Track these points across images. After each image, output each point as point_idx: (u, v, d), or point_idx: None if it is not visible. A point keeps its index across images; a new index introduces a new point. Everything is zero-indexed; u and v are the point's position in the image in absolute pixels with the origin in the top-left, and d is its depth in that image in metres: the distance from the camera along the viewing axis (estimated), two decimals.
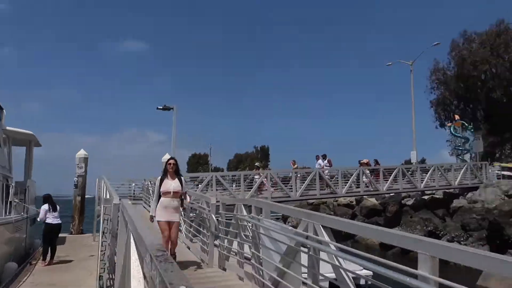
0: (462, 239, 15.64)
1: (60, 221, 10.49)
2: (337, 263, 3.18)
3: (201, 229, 7.77)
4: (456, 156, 33.52)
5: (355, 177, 19.85)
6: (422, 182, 21.61)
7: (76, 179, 18.96)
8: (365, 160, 22.16)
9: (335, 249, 3.27)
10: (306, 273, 3.97)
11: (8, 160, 12.54)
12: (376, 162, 22.29)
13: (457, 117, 33.49)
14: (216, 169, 75.91)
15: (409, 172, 22.19)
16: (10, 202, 11.50)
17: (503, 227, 14.11)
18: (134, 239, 2.62)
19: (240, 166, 74.73)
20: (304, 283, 3.77)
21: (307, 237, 3.69)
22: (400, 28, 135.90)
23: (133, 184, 19.41)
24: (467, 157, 31.93)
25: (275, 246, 4.37)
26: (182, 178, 6.84)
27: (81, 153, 18.99)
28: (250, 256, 5.61)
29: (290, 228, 3.99)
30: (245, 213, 5.72)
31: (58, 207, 10.50)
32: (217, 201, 7.10)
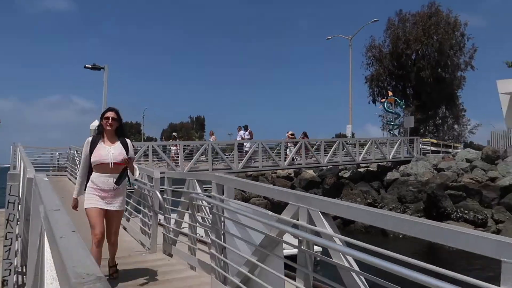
0: (399, 211, 16.11)
1: None
2: (346, 264, 2.37)
3: (140, 207, 6.64)
4: (388, 131, 35.00)
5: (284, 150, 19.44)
6: (360, 156, 22.01)
7: None
8: (290, 132, 22.03)
9: (341, 244, 2.45)
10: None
11: None
12: (305, 135, 22.17)
13: (390, 93, 34.71)
14: (149, 139, 72.82)
15: (348, 145, 22.49)
16: None
17: (439, 200, 14.69)
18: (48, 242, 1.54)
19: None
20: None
21: (297, 226, 2.83)
22: (341, 4, 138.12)
23: (57, 154, 17.25)
24: (397, 132, 33.48)
25: (244, 235, 3.47)
26: (129, 141, 4.51)
27: None
28: (205, 240, 4.69)
29: (271, 213, 3.09)
30: (199, 190, 4.72)
31: None
32: (161, 174, 6.01)
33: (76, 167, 13.08)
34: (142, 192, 6.36)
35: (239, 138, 20.24)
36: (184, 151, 17.71)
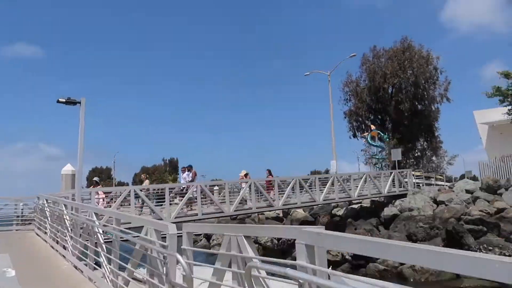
0: None
1: None
2: None
3: (145, 276, 4.91)
4: (374, 164, 34.26)
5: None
6: (355, 191, 20.76)
7: None
8: (244, 172, 19.30)
9: None
10: None
11: None
12: (269, 173, 19.84)
13: (373, 126, 34.37)
14: (120, 184, 69.49)
15: (338, 183, 21.23)
16: None
17: (461, 236, 13.44)
18: None
19: (149, 180, 69.53)
20: None
21: None
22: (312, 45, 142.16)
23: (21, 204, 14.96)
24: (382, 165, 32.80)
25: None
26: None
27: None
28: None
29: None
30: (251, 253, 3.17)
31: None
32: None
33: (46, 220, 11.03)
34: (148, 254, 4.65)
35: (182, 181, 17.69)
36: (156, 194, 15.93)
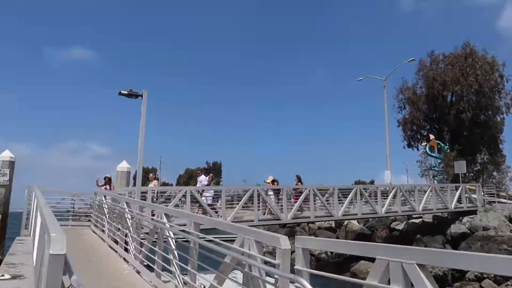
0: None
1: None
2: None
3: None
4: (432, 177, 31.96)
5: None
6: (420, 204, 19.05)
7: None
8: (271, 179, 17.13)
9: None
10: None
11: None
12: (299, 180, 17.65)
13: (432, 136, 32.15)
14: (165, 184, 70.44)
15: (400, 194, 19.59)
16: None
17: None
18: None
19: (191, 182, 70.01)
20: None
21: None
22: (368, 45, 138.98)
23: (77, 199, 14.71)
24: (439, 178, 30.56)
25: None
26: None
27: (6, 155, 14.14)
28: None
29: None
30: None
31: None
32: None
33: (104, 217, 10.52)
34: (245, 272, 3.72)
35: (199, 185, 16.27)
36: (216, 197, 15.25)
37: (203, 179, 16.29)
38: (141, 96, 10.86)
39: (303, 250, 3.33)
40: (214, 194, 15.46)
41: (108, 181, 15.00)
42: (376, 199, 18.12)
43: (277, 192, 15.93)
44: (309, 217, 16.10)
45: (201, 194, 14.70)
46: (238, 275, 4.28)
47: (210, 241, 4.53)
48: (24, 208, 13.56)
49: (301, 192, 16.42)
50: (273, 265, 3.34)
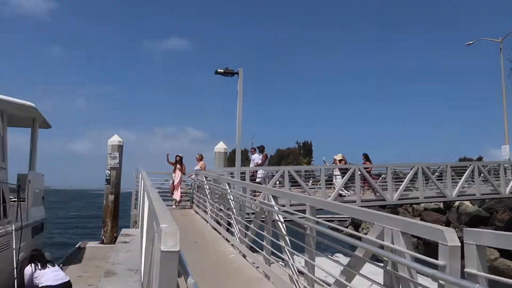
0: None
1: (67, 279, 6.44)
2: None
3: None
4: None
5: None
6: None
7: (108, 172, 15.07)
8: (339, 157, 15.53)
9: None
10: None
11: (1, 144, 8.22)
12: (366, 158, 15.38)
13: None
14: (257, 165, 71.58)
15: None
16: (4, 205, 7.47)
17: None
18: None
19: (282, 163, 70.11)
20: None
21: None
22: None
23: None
24: None
25: None
26: None
27: (115, 139, 15.04)
28: None
29: None
30: None
31: (52, 263, 6.77)
32: None
33: (206, 198, 10.49)
34: (390, 272, 2.95)
35: (252, 164, 15.07)
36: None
37: (256, 157, 15.10)
38: (237, 74, 10.47)
39: (478, 247, 2.44)
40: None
41: (179, 160, 14.16)
42: (498, 177, 15.79)
43: (344, 172, 14.45)
44: (418, 198, 14.58)
45: (253, 175, 13.97)
46: (373, 271, 3.53)
47: (334, 227, 3.83)
48: (133, 189, 14.36)
49: (368, 172, 14.90)
50: (430, 265, 2.52)
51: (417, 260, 2.78)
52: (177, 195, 13.50)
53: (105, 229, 14.66)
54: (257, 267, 5.98)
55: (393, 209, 23.35)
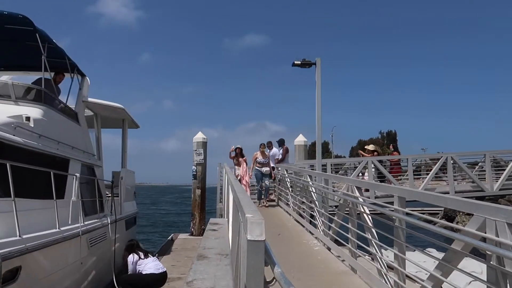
0: None
1: (164, 269, 6.99)
2: None
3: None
4: None
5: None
6: None
7: (195, 167, 15.85)
8: (372, 147, 14.86)
9: None
10: None
11: (97, 144, 9.30)
12: (394, 149, 15.50)
13: None
14: (337, 157, 70.13)
15: None
16: (100, 200, 8.27)
17: None
18: None
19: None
20: None
21: None
22: None
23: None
24: None
25: None
26: None
27: (199, 136, 15.76)
28: None
29: None
30: None
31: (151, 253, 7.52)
32: None
33: (287, 191, 10.52)
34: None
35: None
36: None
37: (275, 152, 13.59)
38: (315, 64, 10.30)
39: None
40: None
41: (239, 152, 12.82)
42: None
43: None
44: None
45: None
46: (471, 267, 3.23)
47: (430, 220, 3.58)
48: (218, 183, 14.94)
49: (397, 164, 13.76)
50: None
51: None
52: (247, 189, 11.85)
53: (193, 221, 15.47)
54: (343, 260, 5.85)
55: (493, 201, 21.25)
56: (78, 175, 6.57)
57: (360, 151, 15.96)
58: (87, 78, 8.96)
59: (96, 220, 7.48)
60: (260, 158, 11.97)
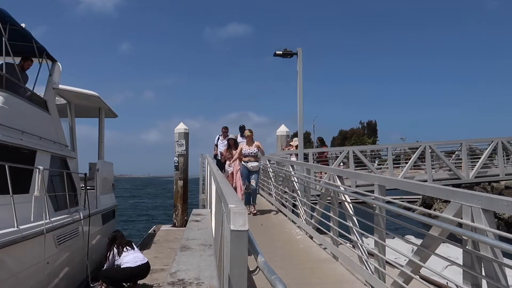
0: None
1: (145, 260, 6.81)
2: None
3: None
4: None
5: None
6: None
7: (176, 159, 15.75)
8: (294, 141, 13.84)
9: None
10: None
11: (71, 135, 8.90)
12: (322, 143, 15.48)
13: None
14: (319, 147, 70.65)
15: None
16: (75, 194, 7.96)
17: None
18: None
19: (346, 144, 68.59)
20: None
21: None
22: None
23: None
24: None
25: None
26: None
27: (181, 127, 15.63)
28: None
29: None
30: None
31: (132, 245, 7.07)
32: None
33: (269, 180, 10.56)
34: (479, 255, 2.77)
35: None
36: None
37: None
38: (296, 54, 10.31)
39: None
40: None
41: (233, 144, 10.31)
42: None
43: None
44: (498, 175, 13.50)
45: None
46: (448, 253, 3.33)
47: (410, 207, 3.66)
48: (200, 174, 14.91)
49: (326, 157, 14.16)
50: None
51: (502, 240, 2.57)
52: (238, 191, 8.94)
53: (176, 213, 15.42)
54: (325, 248, 5.95)
55: (469, 188, 21.89)
56: (41, 168, 6.04)
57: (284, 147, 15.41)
58: (59, 63, 8.47)
59: (65, 216, 6.91)
60: (246, 149, 8.98)
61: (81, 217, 7.50)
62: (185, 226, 13.24)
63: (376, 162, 15.09)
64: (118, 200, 11.98)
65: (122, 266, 6.63)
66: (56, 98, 8.64)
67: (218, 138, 12.28)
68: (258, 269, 2.05)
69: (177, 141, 15.68)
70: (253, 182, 8.81)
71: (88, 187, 8.49)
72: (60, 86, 8.31)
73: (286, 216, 8.50)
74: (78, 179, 8.41)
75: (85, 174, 8.65)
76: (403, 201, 20.32)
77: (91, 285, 7.21)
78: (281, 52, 10.17)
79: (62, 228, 6.62)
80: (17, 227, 5.13)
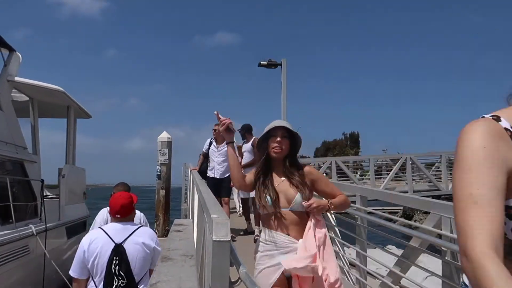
0: None
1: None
2: None
3: None
4: None
5: None
6: None
7: (159, 168, 15.60)
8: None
9: None
10: None
11: (32, 135, 7.73)
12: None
13: None
14: (302, 158, 71.04)
15: None
16: (35, 205, 6.81)
17: None
18: None
19: (329, 155, 69.12)
20: None
21: None
22: None
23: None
24: None
25: None
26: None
27: (164, 136, 15.48)
28: None
29: None
30: None
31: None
32: None
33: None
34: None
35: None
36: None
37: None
38: (280, 65, 10.41)
39: None
40: None
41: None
42: None
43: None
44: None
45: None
46: (428, 263, 3.38)
47: (395, 218, 3.70)
48: (182, 183, 14.78)
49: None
50: None
51: None
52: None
53: (157, 223, 15.20)
54: None
55: (449, 199, 22.33)
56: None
57: None
58: (18, 54, 7.44)
59: (6, 232, 5.52)
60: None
61: (33, 232, 6.07)
62: (166, 236, 13.12)
63: (358, 173, 15.24)
64: (97, 211, 11.42)
65: None
66: (18, 94, 7.84)
67: (211, 143, 8.19)
68: (240, 280, 2.04)
69: (159, 150, 15.53)
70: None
71: (54, 196, 7.58)
72: (17, 79, 7.20)
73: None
74: (39, 186, 7.07)
75: (42, 181, 7.22)
76: (384, 212, 20.64)
77: None
78: (266, 63, 10.26)
79: (3, 247, 5.35)
80: None
